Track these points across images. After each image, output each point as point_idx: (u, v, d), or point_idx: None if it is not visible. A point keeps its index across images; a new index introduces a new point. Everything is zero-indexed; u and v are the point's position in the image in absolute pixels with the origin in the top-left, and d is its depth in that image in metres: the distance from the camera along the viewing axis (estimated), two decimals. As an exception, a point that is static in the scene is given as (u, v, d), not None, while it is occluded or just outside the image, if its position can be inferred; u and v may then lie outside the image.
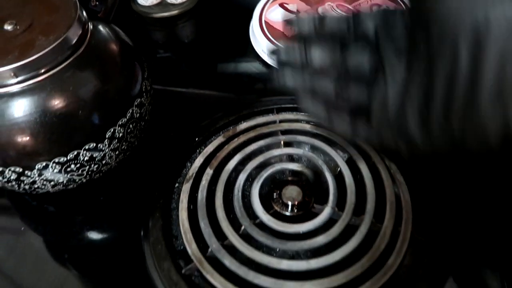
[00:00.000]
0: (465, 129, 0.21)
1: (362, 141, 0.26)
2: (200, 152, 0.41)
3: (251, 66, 0.54)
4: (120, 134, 0.36)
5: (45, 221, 0.39)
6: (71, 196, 0.40)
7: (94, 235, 0.38)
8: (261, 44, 0.53)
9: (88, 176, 0.37)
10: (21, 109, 0.32)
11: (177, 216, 0.37)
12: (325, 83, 0.28)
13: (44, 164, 0.34)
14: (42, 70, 0.32)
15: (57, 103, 0.32)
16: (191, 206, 0.36)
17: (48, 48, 0.31)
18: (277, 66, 0.31)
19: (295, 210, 0.35)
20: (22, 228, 0.39)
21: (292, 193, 0.36)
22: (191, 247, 0.33)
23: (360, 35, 0.27)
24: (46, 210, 0.40)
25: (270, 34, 0.53)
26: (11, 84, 0.31)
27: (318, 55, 0.28)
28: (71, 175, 0.36)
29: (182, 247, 0.35)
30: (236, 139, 0.41)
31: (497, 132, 0.20)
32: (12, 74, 0.31)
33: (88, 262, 0.36)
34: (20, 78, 0.31)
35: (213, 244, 0.33)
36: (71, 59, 0.33)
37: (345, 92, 0.27)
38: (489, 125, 0.20)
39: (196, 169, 0.39)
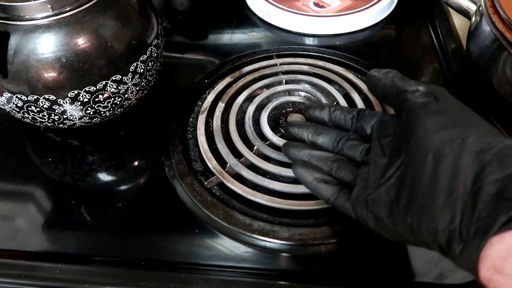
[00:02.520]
0: (421, 221, 0.25)
1: (338, 209, 0.31)
2: (211, 91, 0.45)
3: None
4: (141, 70, 0.40)
5: (70, 154, 0.42)
6: (93, 131, 0.44)
7: (117, 164, 0.42)
8: (256, 1, 0.58)
9: (112, 109, 0.41)
10: (56, 40, 0.35)
11: (194, 144, 0.41)
12: (322, 161, 0.33)
13: (76, 92, 0.37)
14: (75, 5, 0.35)
15: (89, 35, 0.36)
16: (208, 132, 0.41)
17: (82, -16, 0.35)
18: (287, 135, 0.37)
19: (300, 133, 0.41)
20: (50, 159, 0.42)
21: (296, 119, 0.41)
22: (212, 163, 0.38)
23: (360, 129, 0.33)
24: (71, 144, 0.43)
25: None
26: (48, 16, 0.35)
27: (321, 140, 0.34)
28: (98, 106, 0.39)
29: (201, 168, 0.40)
30: (242, 79, 0.46)
31: (445, 227, 0.23)
32: (49, 6, 0.34)
33: (115, 185, 0.40)
34: (56, 11, 0.35)
35: (231, 160, 0.38)
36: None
37: (336, 171, 0.32)
38: (440, 222, 0.23)
39: (209, 103, 0.43)
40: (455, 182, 0.23)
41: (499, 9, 0.37)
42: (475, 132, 0.24)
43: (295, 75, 0.46)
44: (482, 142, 0.24)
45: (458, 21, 0.55)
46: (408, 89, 0.29)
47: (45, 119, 0.39)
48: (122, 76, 0.39)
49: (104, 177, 0.41)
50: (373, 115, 0.33)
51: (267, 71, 0.47)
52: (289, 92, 0.45)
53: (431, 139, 0.25)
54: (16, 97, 0.37)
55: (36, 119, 0.39)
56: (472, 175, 0.23)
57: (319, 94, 0.43)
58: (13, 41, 0.35)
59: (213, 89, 0.45)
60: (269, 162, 0.38)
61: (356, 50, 0.53)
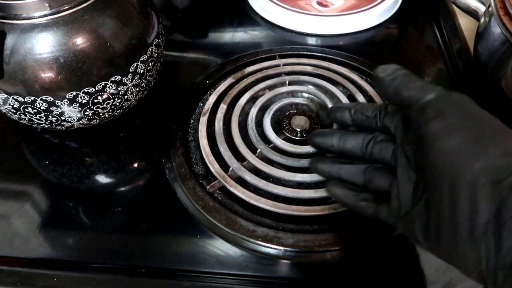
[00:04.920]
0: (452, 260, 0.24)
1: (383, 221, 0.29)
2: (212, 92, 0.44)
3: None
4: (141, 70, 0.39)
5: (68, 156, 0.41)
6: (92, 133, 0.43)
7: (116, 166, 0.41)
8: (258, 0, 0.57)
9: (111, 110, 0.40)
10: (53, 39, 0.34)
11: (196, 146, 0.40)
12: (353, 175, 0.31)
13: (74, 93, 0.36)
14: (74, 3, 0.34)
15: (88, 35, 0.35)
16: (210, 134, 0.40)
17: (80, -18, 0.34)
18: (312, 147, 0.35)
19: (304, 135, 0.40)
20: (47, 162, 0.41)
21: (300, 122, 0.40)
22: (214, 167, 0.37)
23: (385, 128, 0.30)
24: (68, 146, 0.42)
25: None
26: (46, 15, 0.34)
27: (348, 146, 0.32)
28: (96, 107, 0.38)
29: (203, 171, 0.39)
30: (245, 79, 0.45)
31: (473, 268, 0.22)
32: (47, 4, 0.33)
33: (114, 188, 0.39)
34: (54, 10, 0.34)
35: (234, 164, 0.37)
36: (99, -6, 0.35)
37: (371, 183, 0.30)
38: (468, 263, 0.23)
39: (211, 105, 0.42)
40: (475, 219, 0.22)
41: (510, 10, 0.36)
42: (492, 154, 0.22)
43: (298, 76, 0.45)
44: (500, 169, 0.22)
45: (463, 21, 0.54)
46: (413, 103, 0.26)
47: (43, 121, 0.38)
48: (122, 77, 0.38)
49: (103, 180, 0.40)
50: (394, 113, 0.30)
51: (270, 71, 0.46)
52: (293, 94, 0.44)
53: (444, 166, 0.23)
54: (13, 98, 0.36)
55: (33, 121, 0.38)
56: (492, 209, 0.21)
57: (323, 96, 0.42)
58: (9, 41, 0.34)
59: (214, 90, 0.44)
60: (272, 166, 0.37)
61: (360, 51, 0.52)
